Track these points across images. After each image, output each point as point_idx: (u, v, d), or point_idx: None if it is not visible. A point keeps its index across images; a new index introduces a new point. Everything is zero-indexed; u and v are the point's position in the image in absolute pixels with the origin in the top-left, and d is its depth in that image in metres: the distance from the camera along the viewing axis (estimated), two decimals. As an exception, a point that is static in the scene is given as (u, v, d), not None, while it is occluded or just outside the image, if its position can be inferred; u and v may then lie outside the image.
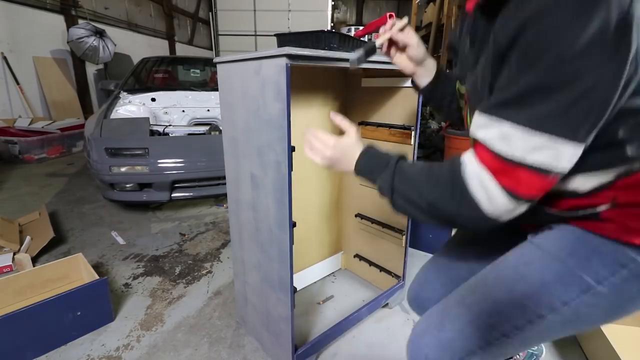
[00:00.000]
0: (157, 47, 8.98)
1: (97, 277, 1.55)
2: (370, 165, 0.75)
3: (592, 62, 0.48)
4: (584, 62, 0.48)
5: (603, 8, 0.46)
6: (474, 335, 0.68)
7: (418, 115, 1.46)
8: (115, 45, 6.45)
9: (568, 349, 1.46)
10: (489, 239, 0.92)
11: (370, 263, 1.86)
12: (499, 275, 0.72)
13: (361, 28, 1.38)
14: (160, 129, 2.99)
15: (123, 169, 2.55)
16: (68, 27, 5.98)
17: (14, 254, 2.00)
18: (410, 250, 1.78)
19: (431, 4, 7.40)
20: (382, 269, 1.79)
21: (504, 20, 0.55)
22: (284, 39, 1.24)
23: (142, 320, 1.61)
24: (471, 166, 0.59)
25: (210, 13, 10.01)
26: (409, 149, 1.51)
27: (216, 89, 3.72)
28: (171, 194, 2.83)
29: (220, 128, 3.11)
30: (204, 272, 2.03)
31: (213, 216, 2.87)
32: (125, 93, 3.41)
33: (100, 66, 6.67)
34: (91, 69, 6.67)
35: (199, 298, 1.78)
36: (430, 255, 2.21)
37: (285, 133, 1.00)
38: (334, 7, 10.76)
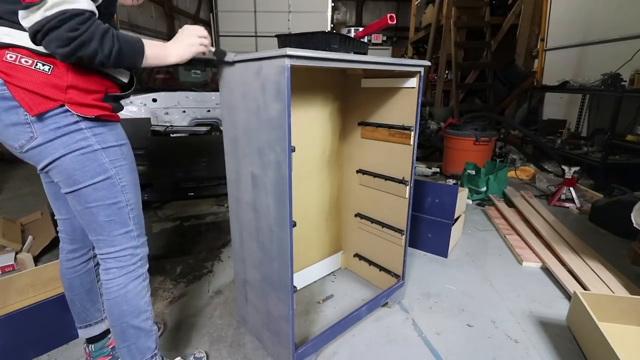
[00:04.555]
0: (158, 48, 8.97)
1: (98, 276, 1.56)
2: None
3: None
4: None
5: None
6: None
7: (417, 116, 1.47)
8: (116, 46, 6.46)
9: (566, 348, 1.47)
10: None
11: (370, 262, 1.87)
12: None
13: (361, 29, 1.39)
14: (162, 129, 3.01)
15: (124, 169, 2.56)
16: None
17: (16, 253, 2.01)
18: (409, 249, 1.79)
19: (430, 5, 7.42)
20: (381, 268, 1.80)
21: None
22: (284, 39, 1.26)
23: (143, 319, 1.62)
24: None
25: (211, 14, 10.02)
26: (409, 149, 1.53)
27: (217, 90, 3.73)
28: (172, 193, 2.84)
29: (221, 128, 3.13)
30: (205, 271, 2.04)
31: (214, 216, 2.88)
32: (126, 94, 3.42)
33: (101, 67, 6.68)
34: (92, 70, 6.68)
35: (200, 297, 1.79)
36: (429, 255, 2.22)
37: (285, 133, 1.01)
38: (334, 9, 10.78)
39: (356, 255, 1.94)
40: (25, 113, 0.84)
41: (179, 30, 1.01)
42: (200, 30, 1.01)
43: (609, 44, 4.13)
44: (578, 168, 3.08)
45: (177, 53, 0.98)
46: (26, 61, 0.82)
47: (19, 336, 1.33)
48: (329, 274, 2.00)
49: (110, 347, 1.35)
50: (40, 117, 0.85)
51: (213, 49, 1.07)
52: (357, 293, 1.83)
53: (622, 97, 3.22)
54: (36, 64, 0.82)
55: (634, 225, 1.96)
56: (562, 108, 5.00)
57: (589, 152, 3.71)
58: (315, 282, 1.91)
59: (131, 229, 1.05)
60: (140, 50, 0.89)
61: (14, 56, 0.82)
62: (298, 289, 1.81)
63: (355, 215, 1.88)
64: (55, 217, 1.19)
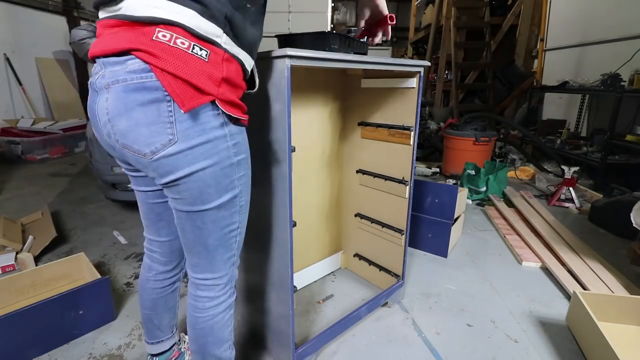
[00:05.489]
0: (158, 48, 8.98)
1: (99, 276, 1.56)
2: None
3: None
4: None
5: None
6: None
7: (417, 116, 1.47)
8: (116, 46, 6.47)
9: (566, 348, 1.48)
10: None
11: (370, 262, 1.87)
12: None
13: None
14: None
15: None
16: (70, 28, 6.01)
17: (17, 253, 2.02)
18: (409, 249, 1.79)
19: (430, 5, 7.42)
20: (381, 268, 1.80)
21: None
22: (284, 39, 1.26)
23: (143, 319, 1.62)
24: None
25: (210, 14, 10.04)
26: (408, 149, 1.53)
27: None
28: (172, 194, 2.82)
29: (221, 129, 3.13)
30: (205, 271, 2.04)
31: (214, 216, 2.87)
32: (126, 94, 3.42)
33: (102, 67, 6.69)
34: (92, 70, 6.69)
35: (200, 297, 1.79)
36: (429, 255, 2.22)
37: (285, 133, 1.01)
38: (334, 9, 10.78)
39: (356, 255, 1.95)
40: (170, 109, 0.66)
41: None
42: None
43: (609, 44, 4.13)
44: (578, 168, 3.09)
45: None
46: (182, 43, 0.64)
47: (19, 336, 1.33)
48: (329, 273, 2.00)
49: (174, 358, 1.26)
50: (188, 115, 0.67)
51: None
52: (357, 293, 1.83)
53: (621, 97, 3.22)
54: (193, 48, 0.64)
55: (634, 225, 1.96)
56: (562, 108, 5.00)
57: (588, 152, 3.71)
58: (315, 282, 1.92)
59: (233, 254, 0.92)
60: None
61: (168, 35, 0.63)
62: (298, 288, 1.82)
63: (355, 215, 1.88)
64: (150, 238, 1.04)
